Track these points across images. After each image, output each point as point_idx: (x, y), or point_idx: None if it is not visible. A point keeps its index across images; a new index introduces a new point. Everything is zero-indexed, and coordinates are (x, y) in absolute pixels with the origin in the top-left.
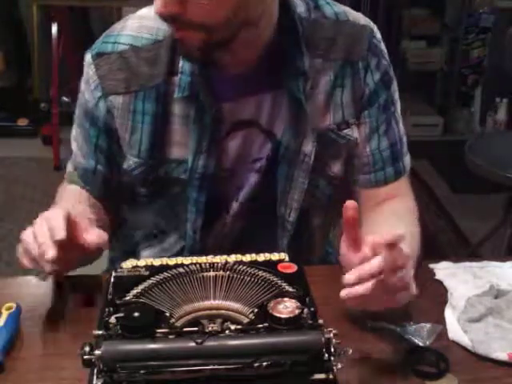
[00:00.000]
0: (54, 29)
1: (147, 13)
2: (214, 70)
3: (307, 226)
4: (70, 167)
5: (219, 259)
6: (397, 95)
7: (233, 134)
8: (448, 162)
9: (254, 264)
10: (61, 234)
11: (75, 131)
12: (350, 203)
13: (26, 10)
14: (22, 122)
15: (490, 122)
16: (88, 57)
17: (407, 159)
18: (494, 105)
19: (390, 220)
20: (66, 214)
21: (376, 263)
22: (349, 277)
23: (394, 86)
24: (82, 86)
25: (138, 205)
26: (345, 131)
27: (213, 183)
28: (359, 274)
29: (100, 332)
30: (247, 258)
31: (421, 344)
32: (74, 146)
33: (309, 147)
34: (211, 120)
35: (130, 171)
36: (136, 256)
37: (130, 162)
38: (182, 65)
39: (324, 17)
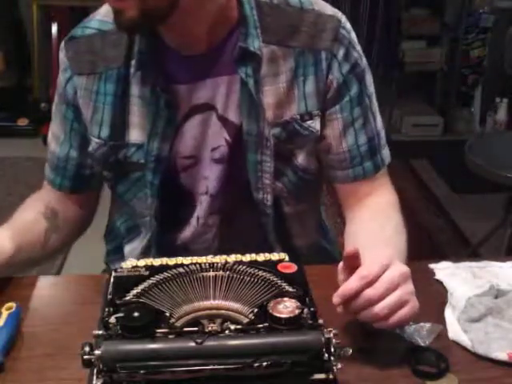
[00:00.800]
0: (54, 29)
1: None
2: (165, 50)
3: (282, 213)
4: (46, 165)
5: (219, 259)
6: (372, 88)
7: (190, 119)
8: (448, 161)
9: (253, 264)
10: None
11: (53, 119)
12: (350, 251)
13: (26, 10)
14: (22, 122)
15: (490, 122)
16: (62, 42)
17: (385, 152)
18: (494, 105)
19: (378, 218)
20: None
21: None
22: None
23: (368, 78)
24: (59, 71)
25: (112, 194)
26: (308, 122)
27: (175, 171)
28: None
29: (100, 332)
30: (247, 257)
31: (421, 344)
32: (49, 137)
33: (267, 131)
34: (164, 101)
35: (93, 153)
36: (122, 251)
37: (93, 143)
38: (137, 46)
39: (288, 4)
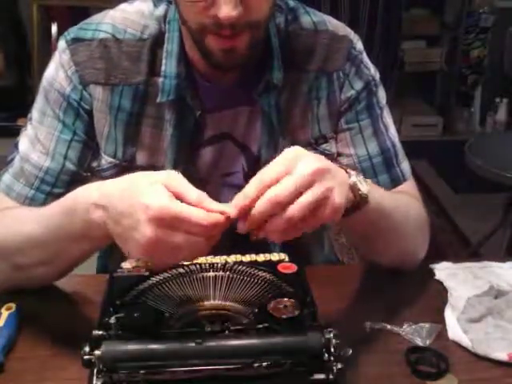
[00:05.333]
0: (54, 29)
1: (131, 8)
2: (197, 77)
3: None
4: (7, 179)
5: (219, 259)
6: (384, 101)
7: (206, 145)
8: (448, 162)
9: (253, 264)
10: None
11: (32, 125)
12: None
13: (26, 10)
14: (22, 122)
15: (490, 122)
16: (62, 42)
17: (405, 166)
18: (494, 105)
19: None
20: None
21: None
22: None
23: (380, 92)
24: (53, 73)
25: None
26: (323, 146)
27: None
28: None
29: (100, 332)
30: (247, 258)
31: (421, 344)
32: (26, 146)
33: None
34: (194, 125)
35: (100, 171)
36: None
37: (103, 161)
38: (165, 68)
39: (301, 28)
